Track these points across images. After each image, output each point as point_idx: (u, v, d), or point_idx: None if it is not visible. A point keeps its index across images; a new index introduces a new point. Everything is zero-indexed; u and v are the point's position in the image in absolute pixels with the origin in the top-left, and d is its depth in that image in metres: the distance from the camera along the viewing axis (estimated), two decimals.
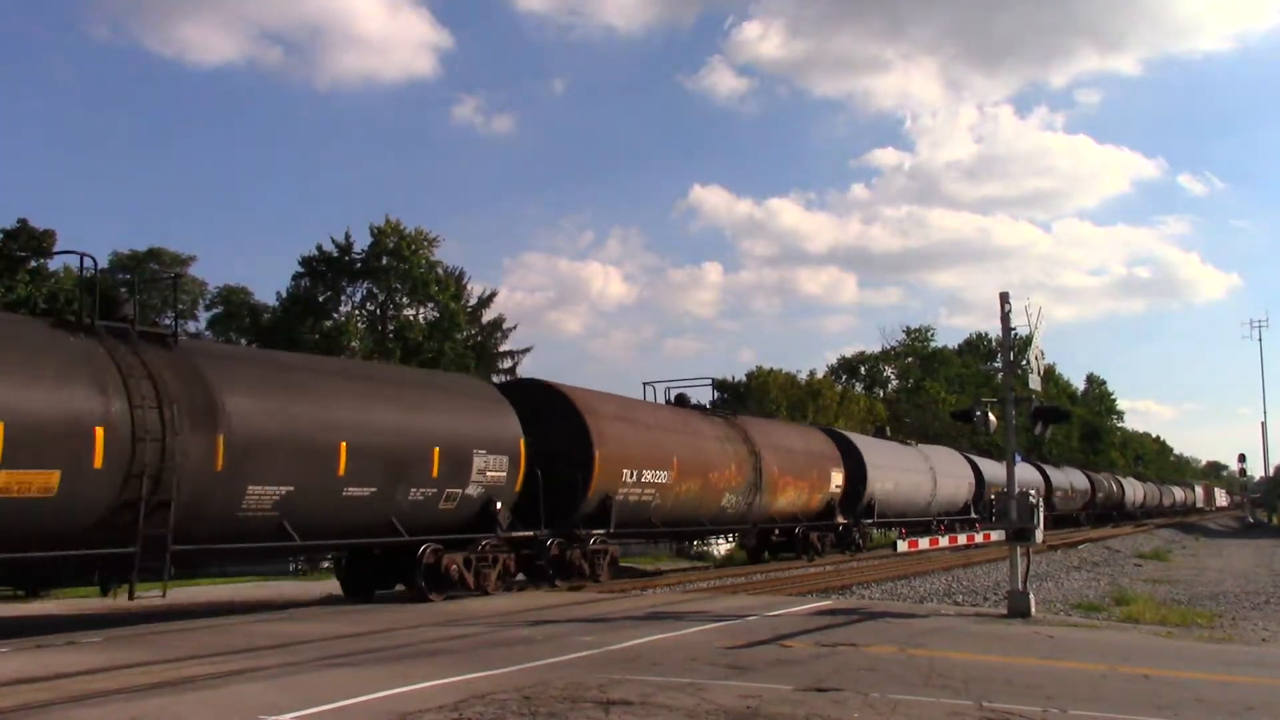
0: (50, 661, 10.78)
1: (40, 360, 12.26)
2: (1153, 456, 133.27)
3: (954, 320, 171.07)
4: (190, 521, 13.34)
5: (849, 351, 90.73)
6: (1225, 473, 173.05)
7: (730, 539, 33.01)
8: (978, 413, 16.70)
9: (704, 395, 28.25)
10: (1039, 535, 15.73)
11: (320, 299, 45.07)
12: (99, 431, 12.32)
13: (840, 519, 31.57)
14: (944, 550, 25.46)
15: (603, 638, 12.30)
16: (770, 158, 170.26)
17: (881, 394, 79.02)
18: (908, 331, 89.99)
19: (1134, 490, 76.06)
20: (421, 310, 46.11)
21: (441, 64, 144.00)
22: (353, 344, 41.77)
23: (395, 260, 44.43)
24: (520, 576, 20.00)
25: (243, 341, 47.51)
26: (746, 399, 59.89)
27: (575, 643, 11.85)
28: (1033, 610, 15.29)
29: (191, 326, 55.81)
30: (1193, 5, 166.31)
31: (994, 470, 44.54)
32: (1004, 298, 15.94)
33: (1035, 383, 16.47)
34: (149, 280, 46.15)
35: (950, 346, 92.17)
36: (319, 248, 44.94)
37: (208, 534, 14.03)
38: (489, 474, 18.02)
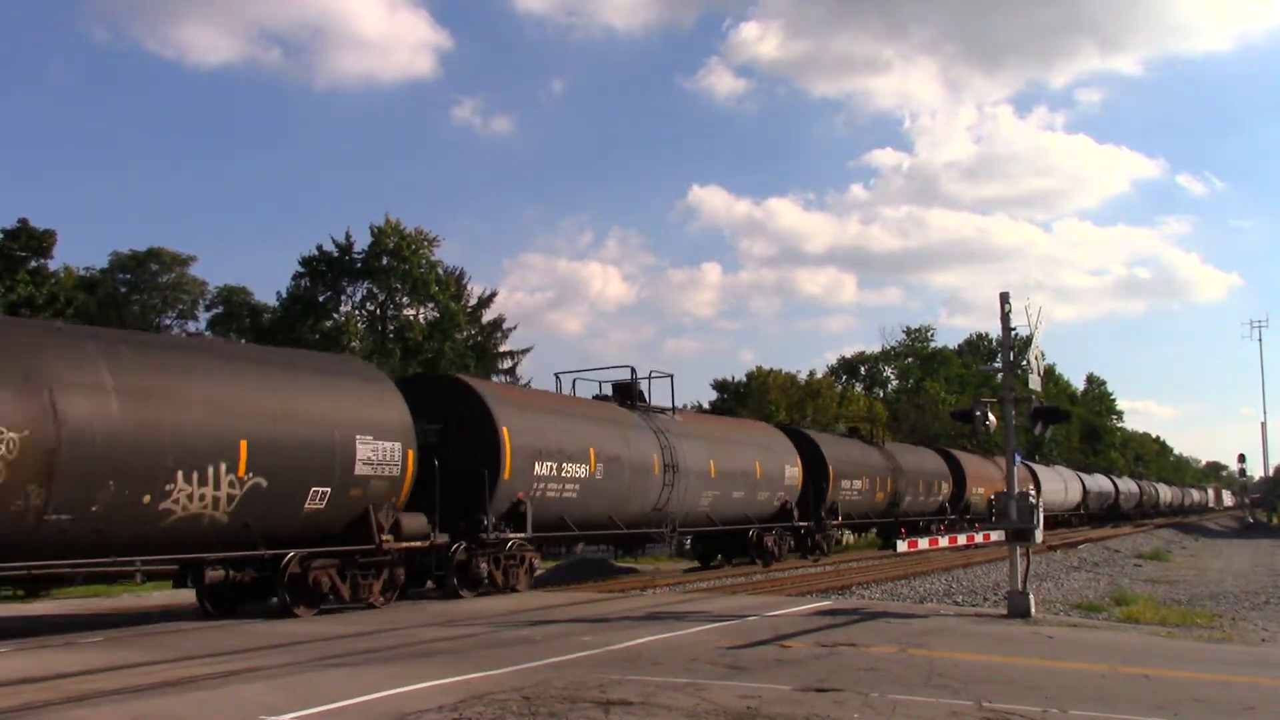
0: (50, 661, 10.79)
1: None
2: (1153, 457, 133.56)
3: (954, 320, 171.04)
4: None
5: (849, 351, 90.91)
6: (1225, 473, 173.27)
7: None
8: (978, 413, 16.68)
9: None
10: (1038, 535, 15.74)
11: (320, 299, 45.08)
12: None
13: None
14: (945, 550, 26.33)
15: (603, 638, 12.31)
16: (769, 158, 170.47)
17: (881, 394, 79.01)
18: (908, 332, 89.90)
19: (1164, 492, 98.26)
20: (421, 310, 46.11)
21: (441, 64, 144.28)
22: (353, 344, 41.75)
23: (395, 260, 44.42)
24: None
25: (242, 341, 47.53)
26: (746, 399, 59.87)
27: (575, 643, 11.85)
28: (1033, 610, 15.29)
29: (192, 326, 55.91)
30: (1193, 5, 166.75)
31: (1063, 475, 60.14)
32: (1004, 298, 15.93)
33: (1035, 383, 16.45)
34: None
35: (950, 346, 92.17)
36: (319, 248, 45.02)
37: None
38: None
